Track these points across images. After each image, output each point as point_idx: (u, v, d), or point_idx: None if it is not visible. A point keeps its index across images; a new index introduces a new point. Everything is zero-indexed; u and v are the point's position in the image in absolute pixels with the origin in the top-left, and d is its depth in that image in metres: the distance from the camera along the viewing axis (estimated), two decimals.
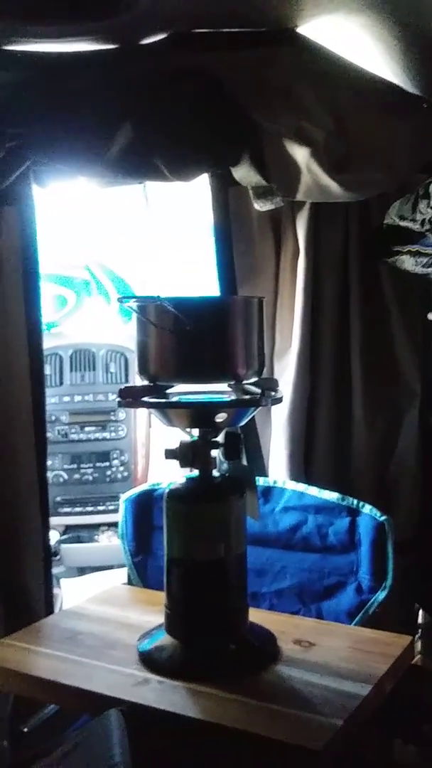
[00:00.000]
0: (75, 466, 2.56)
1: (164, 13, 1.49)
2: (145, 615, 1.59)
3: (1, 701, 1.51)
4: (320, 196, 1.75)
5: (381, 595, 1.61)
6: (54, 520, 2.45)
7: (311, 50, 1.64)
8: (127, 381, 2.56)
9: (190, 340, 1.35)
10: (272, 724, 1.20)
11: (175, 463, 1.43)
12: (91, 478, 2.57)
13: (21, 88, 1.58)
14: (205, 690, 1.29)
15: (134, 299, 1.44)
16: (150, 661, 1.39)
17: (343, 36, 1.62)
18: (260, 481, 1.76)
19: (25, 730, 1.50)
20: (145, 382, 1.43)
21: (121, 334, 2.61)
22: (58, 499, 2.53)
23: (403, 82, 1.71)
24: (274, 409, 2.02)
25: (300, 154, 1.68)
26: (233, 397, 1.41)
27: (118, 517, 1.86)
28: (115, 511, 1.92)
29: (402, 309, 2.01)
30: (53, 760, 1.16)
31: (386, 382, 2.04)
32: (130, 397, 1.40)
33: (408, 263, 1.85)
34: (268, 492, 1.77)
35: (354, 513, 1.66)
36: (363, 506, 1.65)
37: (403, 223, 1.81)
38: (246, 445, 1.99)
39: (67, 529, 2.59)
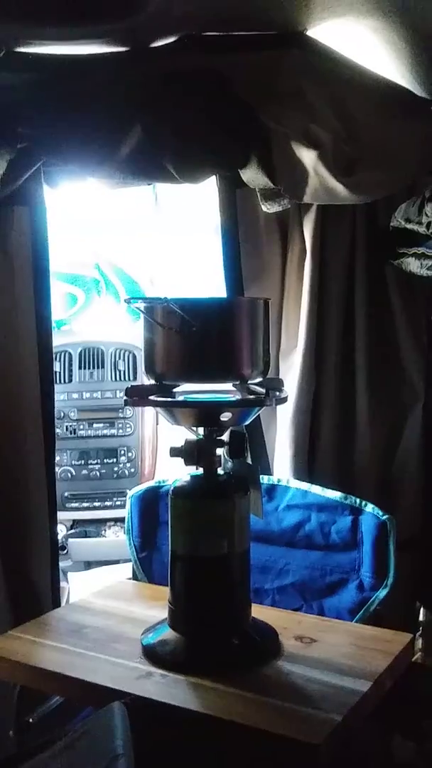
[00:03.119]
0: (83, 462, 2.58)
1: (174, 15, 1.50)
2: (150, 609, 1.62)
3: (7, 692, 1.53)
4: (327, 198, 1.77)
5: (382, 593, 1.63)
6: (62, 515, 2.47)
7: (320, 53, 1.66)
8: (135, 379, 2.58)
9: (197, 341, 1.37)
10: (272, 718, 1.22)
11: (181, 460, 1.45)
12: (98, 474, 2.58)
13: (33, 89, 1.60)
14: (207, 684, 1.31)
15: (141, 300, 1.46)
16: (153, 654, 1.41)
17: (353, 39, 1.63)
18: (264, 479, 1.77)
19: (31, 720, 1.52)
20: (152, 381, 1.45)
21: (130, 332, 2.63)
22: (66, 494, 2.55)
23: (412, 85, 1.72)
24: (279, 408, 2.04)
25: (307, 156, 1.69)
26: (238, 397, 1.43)
27: (125, 513, 1.89)
28: (122, 506, 1.94)
29: (407, 310, 2.03)
30: (57, 750, 1.18)
31: (390, 383, 2.05)
32: (137, 396, 1.42)
33: (413, 265, 1.87)
34: (272, 490, 1.78)
35: (356, 512, 1.67)
36: (365, 505, 1.66)
37: (409, 226, 1.83)
38: (251, 444, 2.01)
39: (75, 523, 2.61)
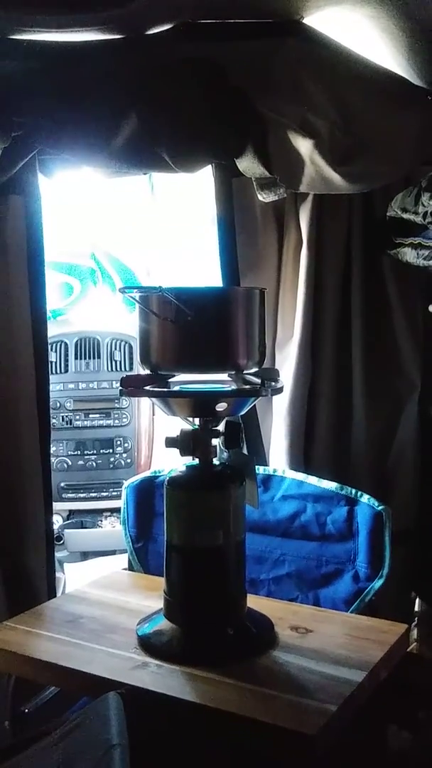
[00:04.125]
0: (79, 452, 2.59)
1: (170, 3, 1.49)
2: (145, 600, 1.62)
3: (2, 683, 1.53)
4: (323, 187, 1.76)
5: (378, 583, 1.63)
6: (58, 506, 2.47)
7: (317, 41, 1.64)
8: (131, 369, 2.58)
9: (192, 331, 1.36)
10: (268, 708, 1.22)
11: (176, 451, 1.45)
12: (94, 464, 2.59)
13: (27, 77, 1.58)
14: (202, 674, 1.31)
15: (136, 289, 1.45)
16: (149, 645, 1.41)
17: (349, 27, 1.62)
18: (260, 469, 1.77)
19: (26, 711, 1.53)
20: (147, 371, 1.45)
21: (126, 322, 2.62)
22: (63, 484, 2.55)
23: (409, 74, 1.71)
24: (275, 398, 2.03)
25: (304, 145, 1.68)
26: (234, 387, 1.42)
27: (121, 504, 1.89)
28: (118, 497, 1.94)
29: (403, 301, 2.02)
30: (52, 740, 1.18)
31: (387, 373, 2.05)
32: (132, 386, 1.42)
33: (409, 255, 1.86)
34: (267, 480, 1.78)
35: (352, 502, 1.67)
36: (361, 496, 1.66)
37: (405, 216, 1.82)
38: (246, 435, 2.01)
39: (71, 514, 2.61)
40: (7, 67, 1.56)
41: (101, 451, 2.60)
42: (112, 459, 2.60)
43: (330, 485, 1.71)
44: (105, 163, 1.69)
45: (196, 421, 1.45)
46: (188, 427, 1.45)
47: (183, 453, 1.44)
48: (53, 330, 2.50)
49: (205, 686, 1.29)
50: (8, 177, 1.65)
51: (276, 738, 1.19)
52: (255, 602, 1.53)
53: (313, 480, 1.73)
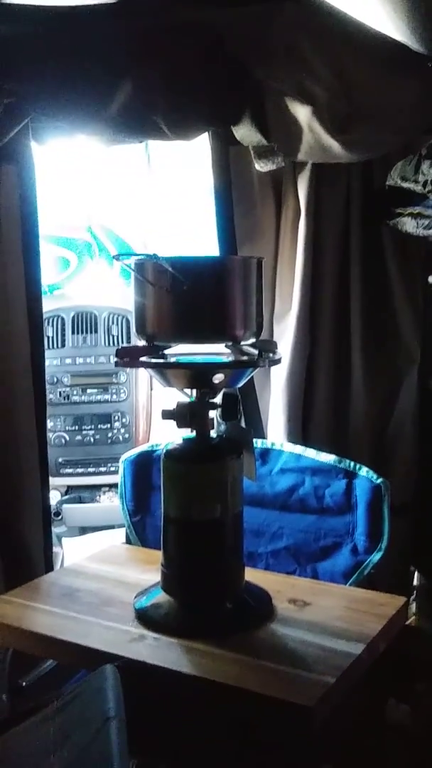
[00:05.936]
0: (77, 427, 2.57)
1: None
2: (143, 573, 1.61)
3: (0, 656, 1.53)
4: (322, 156, 1.73)
5: (376, 556, 1.62)
6: (56, 481, 2.46)
7: (315, 6, 1.61)
8: (128, 343, 2.56)
9: (188, 300, 1.34)
10: (265, 680, 1.22)
11: (174, 424, 1.43)
12: (92, 439, 2.58)
13: (20, 42, 1.55)
14: (199, 647, 1.31)
15: (132, 256, 1.43)
16: (146, 618, 1.41)
17: None
18: (258, 443, 1.76)
19: (24, 684, 1.52)
20: (143, 343, 1.43)
21: (124, 296, 2.60)
22: (60, 460, 2.54)
23: (408, 40, 1.68)
24: (274, 371, 2.02)
25: (302, 112, 1.65)
26: (231, 358, 1.41)
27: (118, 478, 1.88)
28: (116, 472, 1.93)
29: (403, 272, 2.00)
30: (49, 713, 1.17)
31: (386, 346, 2.04)
32: (128, 357, 1.40)
33: (409, 225, 1.84)
34: (266, 454, 1.77)
35: (351, 475, 1.66)
36: (360, 468, 1.65)
37: (405, 185, 1.80)
38: (244, 407, 1.99)
39: (69, 489, 2.60)
40: None
41: (99, 426, 2.58)
42: (109, 434, 2.59)
43: (328, 458, 1.70)
44: (100, 130, 1.66)
45: (194, 393, 1.43)
46: (185, 399, 1.43)
47: (180, 425, 1.43)
48: (50, 305, 2.47)
49: (202, 659, 1.28)
50: (1, 145, 1.62)
51: (274, 710, 1.18)
52: (253, 575, 1.52)
53: (311, 453, 1.72)
